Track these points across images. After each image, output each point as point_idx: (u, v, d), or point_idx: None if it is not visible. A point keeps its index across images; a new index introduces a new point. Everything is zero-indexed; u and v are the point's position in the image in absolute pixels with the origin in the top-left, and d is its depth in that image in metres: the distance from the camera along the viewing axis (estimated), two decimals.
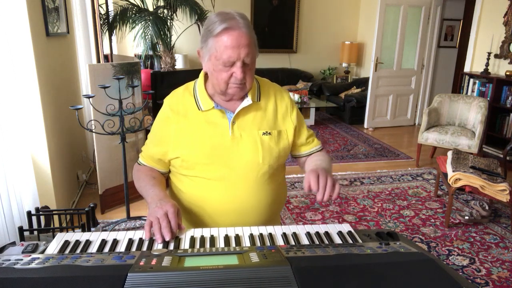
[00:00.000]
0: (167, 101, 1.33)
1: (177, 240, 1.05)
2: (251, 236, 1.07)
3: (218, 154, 1.24)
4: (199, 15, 5.24)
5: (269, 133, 1.28)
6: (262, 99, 1.32)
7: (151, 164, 1.35)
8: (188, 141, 1.26)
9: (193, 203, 1.31)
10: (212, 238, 1.05)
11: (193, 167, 1.27)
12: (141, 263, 0.79)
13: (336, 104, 6.23)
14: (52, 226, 2.03)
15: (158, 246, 1.02)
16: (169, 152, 1.29)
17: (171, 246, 1.02)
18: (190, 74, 4.65)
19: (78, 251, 0.98)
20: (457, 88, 5.04)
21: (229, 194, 1.26)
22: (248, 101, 1.26)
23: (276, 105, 1.33)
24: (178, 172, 1.32)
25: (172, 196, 1.39)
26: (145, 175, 1.32)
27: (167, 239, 1.03)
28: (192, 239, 1.04)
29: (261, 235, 1.08)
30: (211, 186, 1.26)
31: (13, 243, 1.01)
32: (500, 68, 4.61)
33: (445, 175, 3.11)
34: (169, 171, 1.38)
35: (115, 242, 1.02)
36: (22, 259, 0.83)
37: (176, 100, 1.31)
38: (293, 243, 1.05)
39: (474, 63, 4.96)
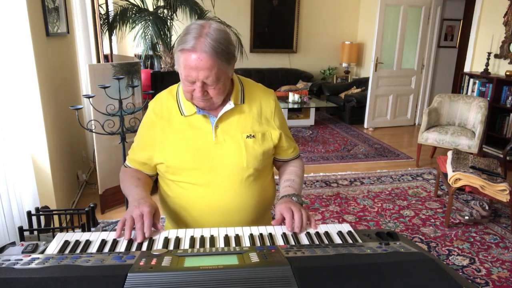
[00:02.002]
0: (152, 105, 1.32)
1: (177, 240, 1.05)
2: (251, 236, 1.07)
3: (202, 159, 1.24)
4: (199, 15, 5.25)
5: (253, 136, 1.27)
6: (246, 102, 1.30)
7: (137, 167, 1.35)
8: (172, 146, 1.25)
9: (179, 206, 1.31)
10: (212, 238, 1.05)
11: (178, 173, 1.26)
12: (141, 263, 0.79)
13: (336, 104, 6.23)
14: (52, 226, 2.03)
15: (158, 246, 1.02)
16: (154, 157, 1.29)
17: (171, 246, 1.02)
18: None
19: (78, 251, 0.98)
20: (457, 88, 5.04)
21: (215, 198, 1.26)
22: (230, 105, 1.25)
23: (261, 107, 1.31)
24: (165, 177, 1.32)
25: (160, 199, 1.40)
26: (130, 176, 1.31)
27: (138, 241, 1.03)
28: (192, 239, 1.04)
29: (261, 235, 1.08)
30: (197, 191, 1.26)
31: (13, 243, 1.01)
32: (500, 68, 4.61)
33: (445, 175, 3.11)
34: (157, 174, 1.38)
35: (115, 242, 1.02)
36: (22, 259, 0.83)
37: (160, 105, 1.30)
38: (293, 243, 1.06)
39: (474, 63, 4.96)
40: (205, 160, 1.24)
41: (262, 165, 1.30)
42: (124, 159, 2.78)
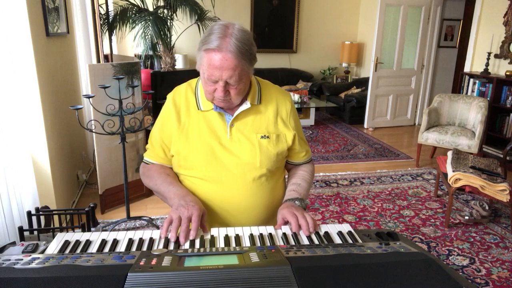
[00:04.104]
0: (170, 97, 1.34)
1: (177, 240, 1.05)
2: (251, 236, 1.07)
3: (216, 156, 1.25)
4: (199, 15, 5.24)
5: (267, 137, 1.28)
6: (263, 102, 1.31)
7: (159, 161, 1.35)
8: (187, 139, 1.26)
9: None
10: (212, 238, 1.05)
11: (191, 168, 1.27)
12: (141, 263, 0.79)
13: (336, 104, 6.23)
14: (52, 226, 2.03)
15: (158, 246, 1.02)
16: (171, 149, 1.30)
17: (171, 246, 1.02)
18: (190, 74, 4.64)
19: (78, 251, 0.98)
20: (457, 88, 5.04)
21: (226, 195, 1.27)
22: (246, 104, 1.26)
23: (277, 108, 1.32)
24: (178, 172, 1.33)
25: None
26: (158, 173, 1.32)
27: (182, 244, 1.03)
28: (192, 239, 1.04)
29: (261, 235, 1.08)
30: (208, 187, 1.27)
31: (13, 243, 1.01)
32: (500, 68, 4.61)
33: (445, 175, 3.11)
34: None
35: (115, 242, 1.02)
36: (22, 259, 0.83)
37: (179, 97, 1.32)
38: (293, 243, 1.06)
39: (474, 63, 4.96)
40: (218, 157, 1.25)
41: (275, 166, 1.31)
42: (125, 159, 2.80)
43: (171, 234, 1.04)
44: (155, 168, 1.35)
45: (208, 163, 1.25)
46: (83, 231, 1.81)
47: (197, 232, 1.06)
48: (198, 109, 1.28)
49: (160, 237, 1.06)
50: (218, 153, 1.25)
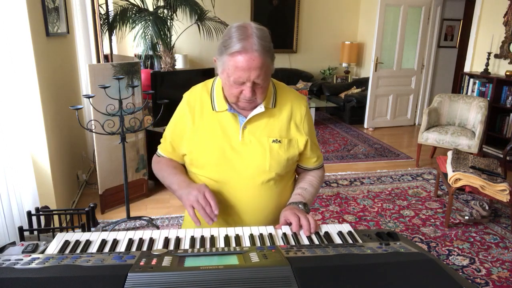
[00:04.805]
0: (186, 96, 1.35)
1: (177, 240, 1.05)
2: (251, 236, 1.07)
3: (226, 157, 1.25)
4: (199, 15, 5.24)
5: (279, 141, 1.28)
6: (277, 106, 1.30)
7: (168, 156, 1.38)
8: (199, 139, 1.27)
9: None
10: (212, 238, 1.06)
11: (201, 167, 1.29)
12: (141, 263, 0.79)
13: (336, 104, 6.23)
14: (52, 226, 2.03)
15: (158, 246, 1.02)
16: (182, 147, 1.32)
17: (171, 246, 1.02)
18: (190, 74, 4.64)
19: (78, 251, 0.98)
20: (457, 88, 5.04)
21: (234, 197, 1.27)
22: (261, 108, 1.25)
23: (291, 113, 1.31)
24: (189, 170, 1.35)
25: None
26: (166, 165, 1.35)
27: (215, 220, 1.11)
28: (192, 239, 1.05)
29: (261, 235, 1.08)
30: (217, 188, 1.27)
31: (13, 243, 1.01)
32: (500, 68, 4.61)
33: (445, 175, 3.11)
34: None
35: (115, 242, 1.02)
36: (22, 259, 0.83)
37: (194, 97, 1.32)
38: (293, 243, 1.06)
39: (474, 63, 4.96)
40: (228, 158, 1.25)
41: (284, 171, 1.30)
42: (125, 159, 2.80)
43: (206, 220, 1.11)
44: (163, 161, 1.39)
45: (217, 165, 1.26)
46: (83, 231, 1.81)
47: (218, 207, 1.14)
48: (213, 110, 1.28)
49: (160, 237, 1.06)
50: (229, 155, 1.25)
